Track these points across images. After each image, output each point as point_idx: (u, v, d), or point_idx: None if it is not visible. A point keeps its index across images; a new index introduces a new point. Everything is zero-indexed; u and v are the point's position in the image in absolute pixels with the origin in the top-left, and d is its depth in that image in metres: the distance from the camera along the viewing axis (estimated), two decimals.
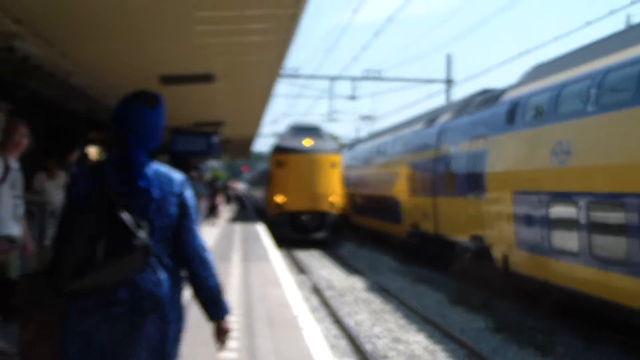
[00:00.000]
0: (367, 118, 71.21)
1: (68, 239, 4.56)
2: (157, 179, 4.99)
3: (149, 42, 15.10)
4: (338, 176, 42.46)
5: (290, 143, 42.25)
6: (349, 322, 18.98)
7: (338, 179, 42.46)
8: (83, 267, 4.40)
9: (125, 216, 4.59)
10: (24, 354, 4.49)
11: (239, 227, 39.69)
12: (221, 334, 5.12)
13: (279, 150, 42.85)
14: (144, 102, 5.11)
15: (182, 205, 5.07)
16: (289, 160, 41.33)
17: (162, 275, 4.77)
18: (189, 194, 5.15)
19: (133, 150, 4.94)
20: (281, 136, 46.76)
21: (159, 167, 5.10)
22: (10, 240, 5.47)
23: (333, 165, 41.80)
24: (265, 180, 50.42)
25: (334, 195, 41.60)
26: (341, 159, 45.05)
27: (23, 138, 9.76)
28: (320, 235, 40.36)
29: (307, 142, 41.82)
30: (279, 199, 40.92)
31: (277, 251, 20.01)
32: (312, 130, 44.89)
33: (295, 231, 40.16)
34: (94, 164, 9.08)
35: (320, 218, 40.65)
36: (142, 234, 4.58)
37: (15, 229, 9.41)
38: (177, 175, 5.17)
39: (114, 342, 4.51)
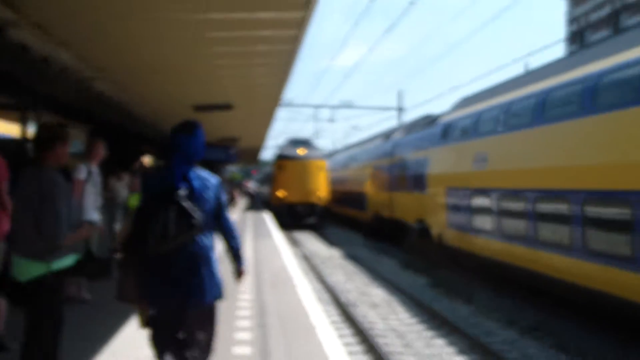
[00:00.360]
0: (355, 128, 76.43)
1: (148, 219, 5.20)
2: (199, 180, 5.54)
3: (187, 82, 15.24)
4: (324, 177, 42.16)
5: (289, 152, 42.55)
6: (329, 280, 19.01)
7: (324, 179, 42.11)
8: (163, 237, 5.11)
9: (187, 204, 5.24)
10: (120, 286, 5.37)
11: (250, 214, 39.79)
12: (239, 274, 5.89)
13: (280, 157, 43.04)
14: (182, 130, 5.67)
15: (217, 197, 5.64)
16: (287, 165, 41.30)
17: (206, 240, 5.45)
18: (221, 189, 5.77)
19: (175, 163, 5.54)
20: (281, 147, 46.53)
21: (200, 172, 5.63)
22: (91, 223, 5.64)
23: (320, 168, 41.69)
24: (269, 180, 51.16)
25: (321, 191, 41.16)
26: (326, 164, 44.19)
27: (101, 151, 9.95)
28: (310, 220, 40.19)
29: (301, 151, 41.85)
30: (280, 193, 40.84)
31: (278, 231, 19.83)
32: (304, 143, 45.27)
33: (292, 218, 39.91)
34: (157, 170, 9.40)
35: (311, 208, 40.43)
36: (198, 215, 5.22)
37: (95, 216, 9.57)
38: (214, 178, 5.74)
39: (181, 276, 5.28)
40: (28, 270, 5.07)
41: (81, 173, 9.36)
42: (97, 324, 8.68)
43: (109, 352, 7.51)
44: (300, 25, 10.71)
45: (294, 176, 40.79)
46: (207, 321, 5.51)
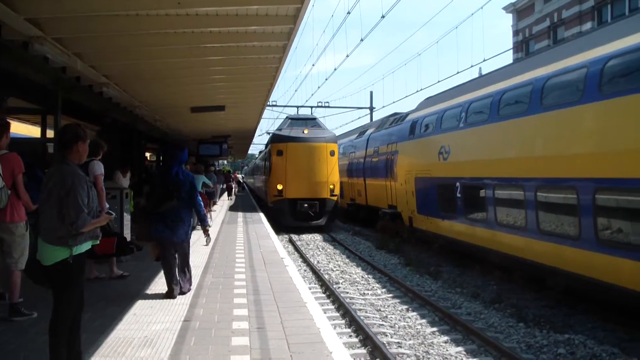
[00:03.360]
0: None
1: (152, 197, 9.21)
2: (183, 175, 9.19)
3: (184, 86, 15.25)
4: (336, 164, 29.53)
5: (290, 132, 29.63)
6: (313, 261, 19.01)
7: (336, 167, 29.52)
8: (157, 205, 8.96)
9: (171, 188, 8.95)
10: (138, 233, 9.47)
11: (241, 201, 39.48)
12: (206, 233, 9.52)
13: (278, 139, 29.84)
14: (177, 147, 9.54)
15: (192, 185, 9.27)
16: (289, 149, 28.64)
17: (184, 210, 9.14)
18: (194, 181, 9.43)
19: (171, 165, 9.24)
20: (280, 127, 32.61)
21: (185, 171, 9.40)
22: (108, 212, 5.77)
23: (332, 153, 29.06)
24: (261, 169, 39.37)
25: (333, 183, 28.94)
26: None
27: (104, 148, 9.97)
28: (319, 221, 28.32)
29: (307, 131, 29.39)
30: (279, 186, 28.47)
31: (275, 236, 19.21)
32: (310, 120, 32.20)
33: (295, 218, 28.19)
34: (159, 169, 10.91)
35: (319, 205, 28.36)
36: (178, 195, 8.95)
37: (107, 205, 9.62)
38: (191, 174, 9.53)
39: (170, 225, 8.94)
40: (53, 254, 5.17)
41: (100, 169, 9.47)
42: (122, 293, 9.04)
43: (130, 314, 7.84)
44: (288, 37, 10.77)
45: (298, 164, 28.38)
46: (182, 249, 9.23)
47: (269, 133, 54.61)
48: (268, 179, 30.24)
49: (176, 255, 9.15)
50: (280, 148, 28.97)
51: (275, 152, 29.16)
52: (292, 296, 9.24)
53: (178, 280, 9.07)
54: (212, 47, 11.53)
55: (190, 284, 9.39)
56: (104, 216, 5.58)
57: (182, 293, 9.09)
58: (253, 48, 11.82)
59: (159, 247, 9.06)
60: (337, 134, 34.97)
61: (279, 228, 26.10)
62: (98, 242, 5.72)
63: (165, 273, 9.06)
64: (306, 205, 28.09)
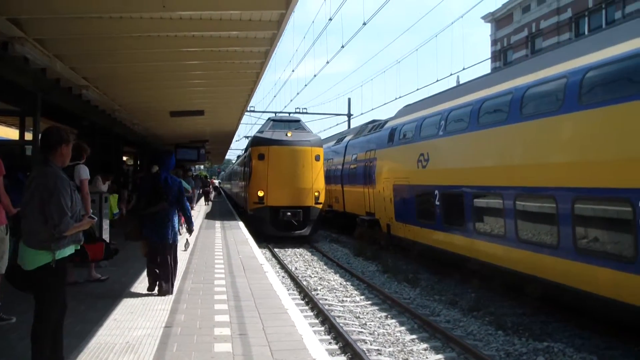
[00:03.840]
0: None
1: (142, 200, 9.79)
2: (171, 180, 9.72)
3: (164, 90, 15.18)
4: (322, 170, 27.34)
5: (272, 135, 27.30)
6: (291, 267, 18.96)
7: (321, 173, 27.24)
8: (147, 207, 9.55)
9: (160, 192, 9.51)
10: (127, 233, 10.16)
11: (218, 206, 39.33)
12: (190, 231, 10.79)
13: (258, 142, 27.58)
14: (164, 153, 10.25)
15: (179, 189, 9.81)
16: (271, 153, 26.40)
17: (172, 212, 9.67)
18: (181, 186, 9.98)
19: (161, 171, 9.87)
20: (261, 129, 30.58)
21: (171, 176, 9.93)
22: (91, 217, 5.73)
23: (317, 158, 26.83)
24: (240, 174, 37.27)
25: (318, 190, 26.71)
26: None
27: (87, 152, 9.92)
28: (303, 231, 26.18)
29: (291, 134, 27.19)
30: (260, 193, 26.24)
31: (257, 248, 18.29)
32: (293, 123, 30.02)
33: (277, 228, 25.92)
34: (150, 174, 11.13)
35: (304, 213, 26.14)
36: (166, 198, 9.53)
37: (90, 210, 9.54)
38: (178, 179, 10.07)
39: (156, 225, 9.47)
40: (35, 259, 5.12)
41: (86, 173, 9.45)
42: (102, 298, 8.95)
43: (111, 319, 7.79)
44: (271, 42, 10.77)
45: (280, 168, 26.22)
46: (168, 249, 9.56)
47: (247, 137, 53.06)
48: (248, 185, 28.03)
49: (164, 256, 9.57)
50: (262, 151, 26.72)
51: (256, 155, 27.01)
52: (273, 302, 9.21)
53: (161, 279, 9.49)
54: (194, 51, 11.50)
55: (172, 287, 9.60)
56: (86, 220, 5.54)
57: (162, 294, 9.37)
58: (235, 53, 11.81)
59: (147, 245, 9.77)
60: None
61: (259, 238, 23.32)
62: (79, 247, 5.68)
63: (148, 269, 9.74)
64: (289, 213, 25.93)
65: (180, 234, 11.53)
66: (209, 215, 31.22)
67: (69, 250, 5.39)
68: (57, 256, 5.17)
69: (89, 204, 9.35)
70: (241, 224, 25.26)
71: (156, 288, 9.50)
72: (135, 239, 9.99)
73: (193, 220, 10.99)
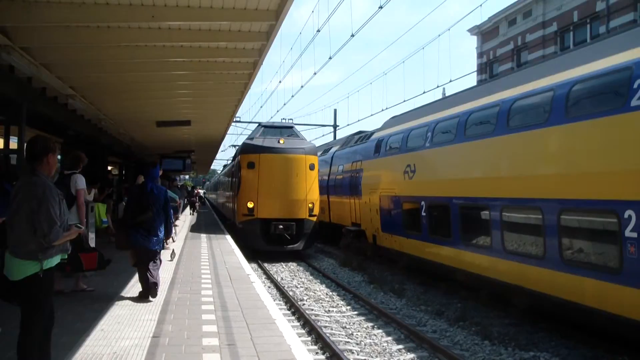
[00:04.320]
0: None
1: (129, 210, 10.11)
2: (157, 189, 10.18)
3: (151, 100, 15.14)
4: (316, 179, 25.51)
5: (263, 142, 25.28)
6: (277, 278, 18.92)
7: (316, 183, 25.46)
8: (134, 216, 9.85)
9: (146, 202, 9.93)
10: (117, 242, 10.46)
11: (203, 217, 39.10)
12: (169, 237, 11.39)
13: (248, 149, 25.50)
14: (149, 165, 10.72)
15: (165, 198, 10.27)
16: (262, 161, 24.48)
17: (158, 221, 10.02)
18: (167, 195, 10.50)
19: (147, 181, 10.25)
20: (251, 135, 28.63)
21: (158, 186, 10.33)
22: (77, 226, 5.67)
23: (312, 167, 25.08)
24: (228, 184, 35.08)
25: (312, 200, 24.97)
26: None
27: (84, 161, 10.09)
28: (296, 245, 24.32)
29: (283, 141, 25.21)
30: (250, 204, 24.36)
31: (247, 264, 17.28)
32: (286, 129, 27.87)
33: (268, 242, 24.10)
34: (137, 185, 11.32)
35: (297, 226, 24.25)
36: (152, 208, 9.91)
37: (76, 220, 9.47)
38: (164, 189, 10.52)
39: (143, 236, 9.85)
40: (22, 269, 5.09)
41: (82, 183, 9.48)
42: (89, 309, 8.83)
43: (98, 330, 7.73)
44: (259, 53, 10.78)
45: (272, 178, 24.31)
46: (155, 257, 10.05)
47: (235, 146, 51.81)
48: (236, 196, 25.92)
49: (153, 262, 10.06)
50: (252, 159, 24.70)
51: (245, 164, 24.99)
52: (261, 313, 9.18)
53: (152, 284, 9.89)
54: (183, 62, 11.50)
55: (156, 292, 10.07)
56: (74, 229, 5.51)
57: (154, 296, 9.98)
58: (224, 63, 11.82)
59: (136, 254, 10.17)
60: None
61: (248, 254, 21.76)
62: (66, 256, 5.64)
63: (140, 277, 10.12)
64: (281, 226, 23.97)
65: (167, 244, 12.60)
66: (195, 227, 31.09)
67: (56, 259, 5.36)
68: (45, 266, 5.15)
69: (84, 214, 9.50)
70: (228, 236, 25.12)
71: (150, 293, 9.85)
72: (124, 248, 10.23)
73: (177, 231, 12.85)
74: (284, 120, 34.51)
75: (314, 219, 24.88)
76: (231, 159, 39.33)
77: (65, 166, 9.96)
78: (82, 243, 8.88)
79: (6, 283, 5.17)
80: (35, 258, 5.09)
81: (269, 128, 27.59)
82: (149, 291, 9.83)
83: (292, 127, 28.22)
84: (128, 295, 10.19)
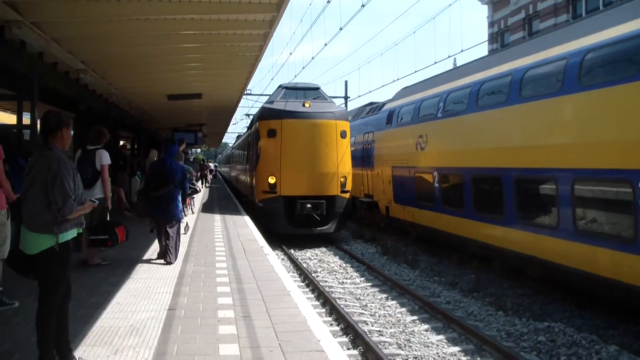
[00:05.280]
0: None
1: (151, 183, 11.11)
2: (175, 165, 11.17)
3: (162, 73, 15.10)
4: (348, 149, 21.70)
5: (285, 105, 21.47)
6: (290, 250, 18.98)
7: (348, 153, 21.67)
8: (156, 189, 10.89)
9: (166, 176, 10.91)
10: (138, 211, 12.17)
11: (216, 188, 39.11)
12: (186, 201, 14.53)
13: (268, 114, 21.71)
14: (169, 141, 11.92)
15: (183, 173, 11.32)
16: (284, 128, 20.80)
17: (177, 193, 11.05)
18: (184, 170, 11.60)
19: (166, 157, 11.25)
20: (269, 99, 24.02)
21: (175, 161, 11.29)
22: (92, 200, 5.68)
23: (343, 134, 21.23)
24: (244, 156, 31.00)
25: (345, 174, 21.12)
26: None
27: (107, 137, 10.44)
28: (327, 227, 20.65)
29: (309, 104, 21.39)
30: (271, 179, 20.72)
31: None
32: (311, 91, 23.51)
33: (294, 224, 20.55)
34: (158, 160, 11.87)
35: (327, 205, 20.57)
36: (172, 181, 10.91)
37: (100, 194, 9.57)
38: (181, 165, 11.58)
39: (164, 205, 10.89)
40: (38, 243, 5.12)
41: (107, 158, 9.65)
42: (104, 283, 8.89)
43: (114, 303, 7.80)
44: (270, 25, 10.70)
45: (297, 148, 20.69)
46: (172, 225, 10.97)
47: (249, 115, 49.52)
48: (255, 170, 22.28)
49: (167, 230, 10.99)
50: (273, 126, 21.00)
51: (265, 132, 21.32)
52: (275, 285, 9.23)
53: (169, 249, 10.95)
54: (193, 34, 11.43)
55: (176, 257, 11.18)
56: (88, 203, 5.53)
57: (169, 263, 10.87)
58: (234, 36, 11.73)
59: (154, 222, 11.73)
60: None
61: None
62: (81, 230, 5.68)
63: (159, 242, 11.36)
64: (309, 205, 20.42)
65: (184, 215, 13.31)
66: (208, 198, 31.18)
67: (72, 233, 5.39)
68: (61, 239, 5.18)
69: (109, 189, 9.77)
70: (240, 206, 25.12)
71: (167, 257, 10.93)
72: (145, 216, 12.05)
73: (193, 204, 15.50)
74: None
75: (347, 195, 21.38)
76: (246, 128, 35.06)
77: (88, 141, 10.02)
78: (108, 219, 9.09)
79: (22, 257, 5.21)
80: (50, 231, 5.11)
81: (291, 90, 23.36)
82: (165, 257, 10.92)
83: (318, 88, 23.85)
84: (142, 269, 10.27)
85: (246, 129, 33.81)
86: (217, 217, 20.34)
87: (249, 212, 22.84)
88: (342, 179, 20.96)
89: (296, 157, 20.58)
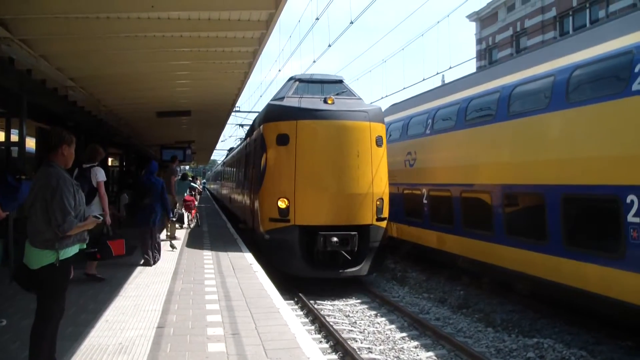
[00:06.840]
0: None
1: (136, 196, 13.19)
2: (154, 180, 12.78)
3: (151, 90, 15.12)
4: (384, 159, 15.93)
5: (299, 102, 15.84)
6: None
7: (384, 165, 15.94)
8: (139, 201, 12.78)
9: (145, 190, 12.65)
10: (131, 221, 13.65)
11: (205, 207, 38.85)
12: (168, 219, 16.55)
13: (278, 113, 15.94)
14: (148, 160, 13.13)
15: (162, 188, 12.94)
16: (299, 131, 15.09)
17: (156, 204, 12.72)
18: (163, 185, 13.20)
19: (147, 174, 12.99)
20: (278, 95, 18.01)
21: (156, 177, 12.97)
22: (95, 217, 5.75)
23: (379, 141, 15.66)
24: (241, 171, 24.16)
25: (381, 195, 15.64)
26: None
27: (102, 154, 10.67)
28: (357, 269, 14.94)
29: (332, 102, 15.74)
30: (282, 203, 15.03)
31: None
32: (333, 85, 17.84)
33: (314, 265, 14.91)
34: (142, 176, 13.44)
35: (359, 238, 14.86)
36: (150, 194, 12.57)
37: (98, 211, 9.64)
38: (160, 180, 13.13)
39: (146, 215, 12.54)
40: (39, 258, 5.15)
41: (102, 175, 9.76)
42: (92, 300, 8.82)
43: (102, 320, 7.74)
44: (259, 42, 10.76)
45: (317, 160, 15.15)
46: (153, 231, 12.77)
47: (242, 126, 40.63)
48: (258, 190, 16.28)
49: (151, 235, 12.85)
50: (284, 130, 15.41)
51: (273, 137, 15.66)
52: (264, 302, 9.21)
53: (150, 254, 12.74)
54: (182, 52, 11.46)
55: (159, 257, 13.25)
56: (90, 219, 5.55)
57: (154, 263, 12.79)
58: (223, 53, 11.79)
59: (140, 231, 12.77)
60: None
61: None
62: (85, 246, 5.69)
63: (141, 247, 12.53)
64: (335, 239, 14.67)
65: (189, 225, 18.92)
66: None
67: (73, 250, 5.41)
68: (61, 256, 5.20)
69: (107, 204, 9.87)
70: (228, 223, 25.01)
71: (149, 261, 12.67)
72: (131, 225, 13.54)
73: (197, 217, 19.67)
74: None
75: (384, 224, 15.93)
76: (246, 133, 27.08)
77: (83, 159, 10.06)
78: (107, 232, 9.13)
79: (26, 272, 5.24)
80: (51, 247, 5.14)
81: (306, 83, 17.77)
82: (148, 261, 12.66)
83: (341, 82, 18.22)
84: (131, 286, 10.22)
85: (244, 137, 27.87)
86: (206, 235, 20.23)
87: (250, 245, 17.07)
88: (378, 203, 15.57)
89: (317, 173, 15.15)
